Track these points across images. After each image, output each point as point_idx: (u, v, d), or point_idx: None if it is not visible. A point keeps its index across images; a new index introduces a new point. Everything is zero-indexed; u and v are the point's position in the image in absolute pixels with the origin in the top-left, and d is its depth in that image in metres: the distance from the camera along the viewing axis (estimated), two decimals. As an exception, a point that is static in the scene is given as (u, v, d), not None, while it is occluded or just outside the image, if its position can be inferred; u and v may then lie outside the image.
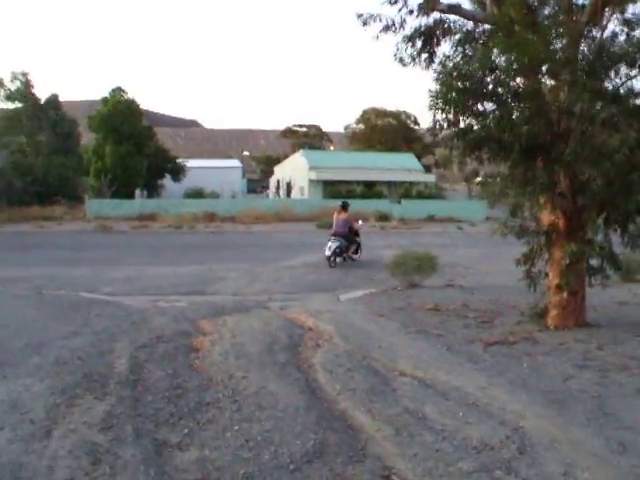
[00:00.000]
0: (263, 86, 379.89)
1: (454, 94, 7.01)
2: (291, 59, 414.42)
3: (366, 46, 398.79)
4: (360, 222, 19.08)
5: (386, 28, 7.79)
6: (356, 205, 36.25)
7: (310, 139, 71.77)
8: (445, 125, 7.26)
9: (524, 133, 6.63)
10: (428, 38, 7.61)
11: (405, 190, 41.50)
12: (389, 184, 42.88)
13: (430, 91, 7.25)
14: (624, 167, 6.74)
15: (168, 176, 45.94)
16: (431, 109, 7.25)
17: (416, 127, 64.78)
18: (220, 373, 6.48)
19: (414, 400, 5.62)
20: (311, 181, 41.49)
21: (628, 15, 6.92)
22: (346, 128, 68.12)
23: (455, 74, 7.01)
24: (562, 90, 6.84)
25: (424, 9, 7.50)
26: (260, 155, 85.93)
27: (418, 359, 7.03)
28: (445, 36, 7.61)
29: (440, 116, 7.24)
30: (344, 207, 18.25)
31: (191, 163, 48.95)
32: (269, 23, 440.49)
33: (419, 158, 52.40)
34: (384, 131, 60.55)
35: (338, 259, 17.09)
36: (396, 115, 62.07)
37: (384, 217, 35.85)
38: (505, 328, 8.51)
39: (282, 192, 49.08)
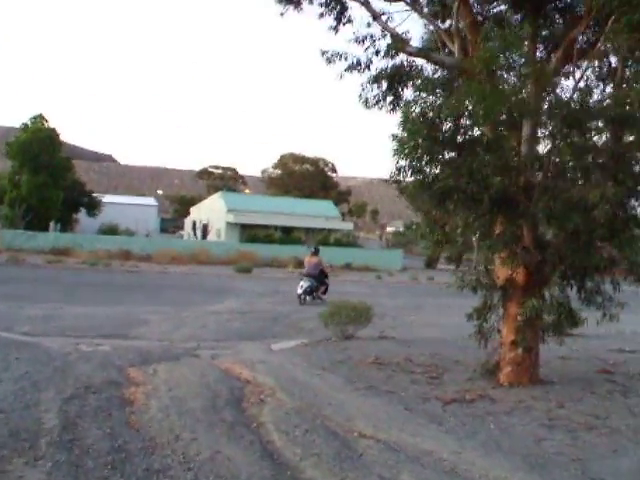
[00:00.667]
0: (180, 125, 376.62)
1: (421, 140, 6.85)
2: (209, 100, 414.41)
3: (287, 91, 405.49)
4: (330, 265, 21.63)
5: (351, 67, 7.62)
6: (273, 251, 35.97)
7: (226, 181, 71.23)
8: (409, 173, 7.06)
9: (496, 184, 6.53)
10: (394, 80, 7.47)
11: (323, 237, 41.62)
12: (307, 230, 42.89)
13: (395, 136, 7.08)
14: (591, 223, 6.79)
15: (83, 210, 44.27)
16: (395, 155, 7.06)
17: (333, 175, 65.88)
18: (164, 433, 5.81)
19: (387, 467, 5.19)
20: (229, 224, 40.83)
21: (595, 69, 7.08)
22: (263, 172, 68.18)
23: (422, 120, 6.86)
24: (537, 142, 6.85)
25: (391, 50, 7.38)
26: (173, 194, 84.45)
27: (376, 419, 6.63)
28: (411, 80, 7.51)
29: (404, 163, 7.06)
30: (316, 252, 20.76)
31: (106, 198, 47.38)
32: (189, 63, 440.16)
33: (335, 205, 53.01)
34: (301, 177, 61.05)
35: (308, 297, 18.96)
36: (314, 162, 62.83)
37: (302, 264, 35.58)
38: (457, 385, 8.28)
39: (198, 233, 48.15)
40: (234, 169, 78.11)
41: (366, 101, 7.73)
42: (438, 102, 7.07)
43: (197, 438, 5.68)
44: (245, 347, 11.42)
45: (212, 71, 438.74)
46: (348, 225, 48.60)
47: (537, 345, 8.17)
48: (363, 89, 7.66)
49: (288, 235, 40.99)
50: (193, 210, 54.44)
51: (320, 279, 19.46)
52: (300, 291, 18.82)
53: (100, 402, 6.69)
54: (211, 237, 44.37)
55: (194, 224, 49.02)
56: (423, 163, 6.97)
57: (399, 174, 7.20)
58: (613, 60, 7.41)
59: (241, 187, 74.12)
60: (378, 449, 5.64)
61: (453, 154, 7.07)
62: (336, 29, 7.81)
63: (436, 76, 8.18)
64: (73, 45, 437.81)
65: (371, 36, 7.62)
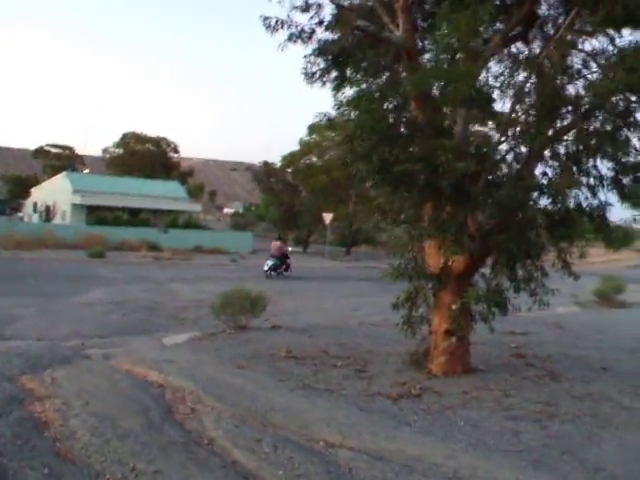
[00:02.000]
0: (11, 101, 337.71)
1: (375, 122, 6.27)
2: (43, 74, 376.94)
3: (129, 66, 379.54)
4: (290, 249, 27.15)
5: (291, 37, 6.81)
6: (122, 234, 33.60)
7: (63, 161, 65.44)
8: (362, 156, 6.45)
9: (457, 171, 6.15)
10: (338, 55, 6.75)
11: (172, 219, 39.78)
12: (155, 212, 40.61)
13: (343, 116, 6.46)
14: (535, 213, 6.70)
15: None
16: (345, 138, 6.42)
17: (175, 155, 63.44)
18: (113, 465, 4.72)
19: (391, 483, 4.62)
20: (74, 205, 37.23)
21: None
22: (104, 152, 63.33)
23: (378, 99, 6.29)
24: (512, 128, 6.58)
25: (337, 24, 6.69)
26: (8, 174, 76.19)
27: (336, 424, 6.02)
28: (356, 57, 6.86)
29: (356, 146, 6.44)
30: (279, 238, 26.60)
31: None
32: (22, 35, 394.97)
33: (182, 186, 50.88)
34: (143, 157, 57.76)
35: (273, 273, 24.07)
36: (156, 141, 59.76)
37: (153, 247, 33.69)
38: (390, 378, 7.90)
39: (41, 216, 43.43)
40: (72, 148, 71.90)
41: (311, 75, 6.95)
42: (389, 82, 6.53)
43: (160, 470, 4.67)
44: (135, 343, 10.29)
45: (48, 44, 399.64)
46: (196, 206, 46.90)
47: (468, 334, 8.03)
48: (309, 62, 6.88)
49: (136, 217, 38.58)
50: (34, 191, 49.12)
51: (282, 259, 24.70)
52: (266, 268, 24.04)
53: (13, 428, 5.39)
54: (56, 220, 40.31)
55: (35, 206, 44.33)
56: (376, 145, 6.40)
57: (349, 157, 6.58)
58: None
59: (80, 167, 68.44)
60: (364, 461, 5.06)
61: (404, 137, 6.57)
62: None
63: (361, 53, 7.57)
64: None
65: (318, 4, 6.85)
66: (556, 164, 6.60)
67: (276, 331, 11.85)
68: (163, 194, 42.80)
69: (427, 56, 8.06)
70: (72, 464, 4.72)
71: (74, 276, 20.66)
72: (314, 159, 46.49)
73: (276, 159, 49.72)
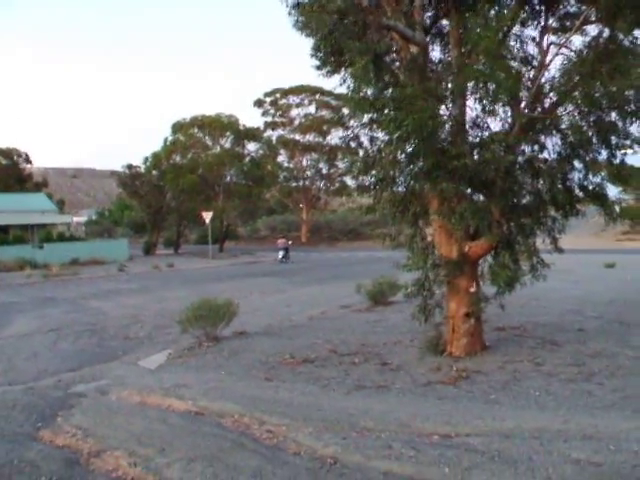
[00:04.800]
0: None
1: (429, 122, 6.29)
2: None
3: None
4: (290, 242, 36.31)
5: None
6: (-4, 254, 30.25)
7: None
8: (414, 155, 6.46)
9: (506, 162, 6.40)
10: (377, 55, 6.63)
11: (46, 233, 36.41)
12: (25, 227, 36.84)
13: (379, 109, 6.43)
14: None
15: None
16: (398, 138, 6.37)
17: (28, 165, 58.04)
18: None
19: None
20: (-63, 228, 32.47)
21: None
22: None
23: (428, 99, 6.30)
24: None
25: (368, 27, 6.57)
26: None
27: (433, 416, 6.00)
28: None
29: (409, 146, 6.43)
30: (283, 237, 37.09)
31: None
32: None
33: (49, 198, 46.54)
34: (-5, 170, 52.03)
35: (284, 259, 33.29)
36: (7, 153, 54.05)
37: (31, 264, 30.67)
38: (421, 366, 8.04)
39: None
40: None
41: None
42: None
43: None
44: (115, 372, 9.12)
45: None
46: (66, 218, 43.29)
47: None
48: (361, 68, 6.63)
49: (6, 234, 34.79)
50: None
51: (287, 250, 33.88)
52: (280, 256, 33.41)
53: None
54: None
55: None
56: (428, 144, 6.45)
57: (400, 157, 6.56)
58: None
59: None
60: (500, 442, 5.16)
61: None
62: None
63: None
64: None
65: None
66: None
67: (249, 337, 11.35)
68: (31, 208, 38.89)
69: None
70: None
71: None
72: (177, 159, 44.74)
73: (115, 163, 46.39)
